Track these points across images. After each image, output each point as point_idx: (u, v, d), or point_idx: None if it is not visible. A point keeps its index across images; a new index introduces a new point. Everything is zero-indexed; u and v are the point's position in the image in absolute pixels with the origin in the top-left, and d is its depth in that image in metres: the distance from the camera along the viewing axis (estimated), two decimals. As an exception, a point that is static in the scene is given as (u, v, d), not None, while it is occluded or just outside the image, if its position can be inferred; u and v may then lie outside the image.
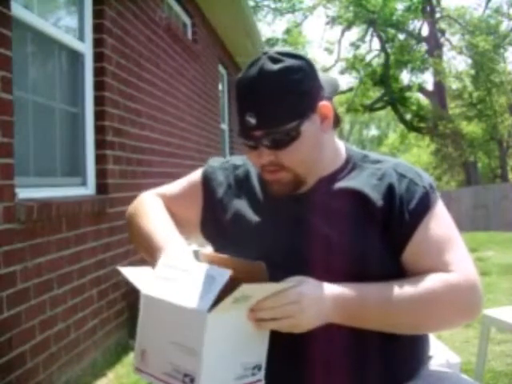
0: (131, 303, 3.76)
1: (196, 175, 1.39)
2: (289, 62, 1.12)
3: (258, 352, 1.02)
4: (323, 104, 1.15)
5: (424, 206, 1.15)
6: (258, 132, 1.12)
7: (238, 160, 1.37)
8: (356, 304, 1.06)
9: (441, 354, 1.54)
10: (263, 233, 1.19)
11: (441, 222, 1.17)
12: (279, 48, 1.22)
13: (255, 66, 1.13)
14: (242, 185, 1.30)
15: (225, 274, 0.94)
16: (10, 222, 2.43)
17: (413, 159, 28.75)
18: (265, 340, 1.03)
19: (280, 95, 1.10)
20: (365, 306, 1.07)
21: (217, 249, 1.28)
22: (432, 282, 1.10)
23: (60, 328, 2.88)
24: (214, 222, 1.30)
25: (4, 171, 2.40)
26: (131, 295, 3.78)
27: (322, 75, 1.18)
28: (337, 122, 1.23)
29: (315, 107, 1.14)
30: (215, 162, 1.40)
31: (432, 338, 1.35)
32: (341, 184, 1.20)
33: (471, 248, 7.86)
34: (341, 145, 1.27)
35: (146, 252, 1.26)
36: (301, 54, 1.15)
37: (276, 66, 1.11)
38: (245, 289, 0.91)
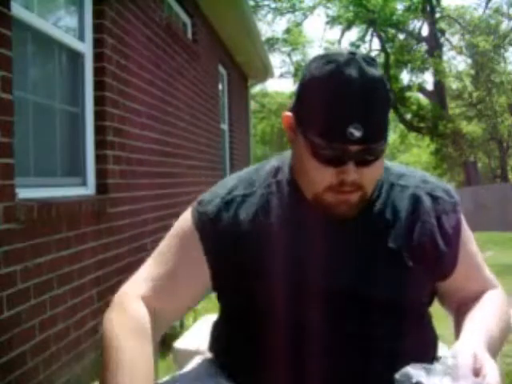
0: (131, 303, 3.75)
1: (187, 237, 1.11)
2: (377, 65, 1.01)
3: None
4: None
5: (458, 228, 1.14)
6: (357, 146, 0.97)
7: (240, 187, 1.13)
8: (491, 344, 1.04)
9: (441, 353, 1.54)
10: (298, 258, 1.06)
11: (470, 237, 1.19)
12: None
13: (350, 66, 0.97)
14: (261, 213, 1.09)
15: None
16: (10, 222, 2.43)
17: (413, 159, 28.76)
18: None
19: (386, 105, 1.00)
20: (494, 343, 1.06)
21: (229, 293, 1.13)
22: (496, 301, 1.15)
23: (60, 328, 2.88)
24: (230, 271, 1.10)
25: (4, 171, 2.39)
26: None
27: None
28: None
29: None
30: (207, 205, 1.12)
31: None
32: (379, 207, 1.10)
33: (471, 248, 7.84)
34: None
35: None
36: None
37: (377, 72, 0.99)
38: None
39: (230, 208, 1.10)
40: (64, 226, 2.96)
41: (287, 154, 1.18)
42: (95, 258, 3.35)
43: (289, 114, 1.07)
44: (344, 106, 0.96)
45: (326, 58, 1.00)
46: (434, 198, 1.13)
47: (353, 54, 0.99)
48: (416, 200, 1.12)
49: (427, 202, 1.12)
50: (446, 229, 1.11)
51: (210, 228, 1.10)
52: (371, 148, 0.98)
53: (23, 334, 2.52)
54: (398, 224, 1.09)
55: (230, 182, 1.16)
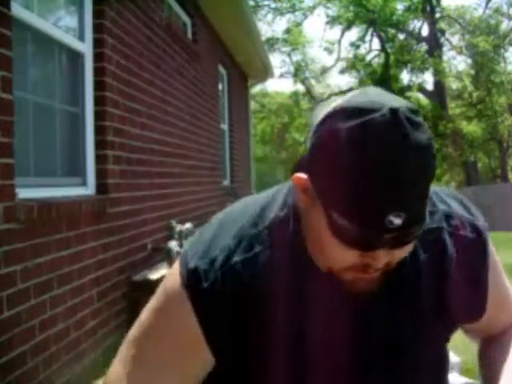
0: (131, 303, 3.76)
1: (181, 322, 0.93)
2: (423, 122, 0.79)
3: None
4: None
5: (486, 269, 1.02)
6: (394, 233, 0.78)
7: (239, 249, 0.93)
8: None
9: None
10: (306, 332, 0.93)
11: (499, 272, 1.09)
12: (398, 99, 0.81)
13: (392, 132, 0.75)
14: (265, 282, 0.91)
15: None
16: (10, 222, 2.43)
17: (413, 159, 28.71)
18: None
19: (431, 179, 0.80)
20: None
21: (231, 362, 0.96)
22: None
23: (60, 328, 2.88)
24: (236, 344, 0.94)
25: (4, 171, 2.39)
26: (131, 295, 3.78)
27: None
28: None
29: None
30: (204, 280, 0.91)
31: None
32: (398, 266, 0.91)
33: (471, 248, 7.85)
34: None
35: None
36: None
37: (424, 137, 0.78)
38: None
39: (230, 279, 0.91)
40: (64, 226, 2.96)
41: (290, 195, 0.96)
42: (95, 258, 3.35)
43: (303, 176, 0.84)
44: (384, 188, 0.75)
45: (359, 118, 0.76)
46: (459, 240, 0.98)
47: (395, 110, 0.76)
48: (439, 247, 0.97)
49: (451, 247, 0.97)
50: (473, 274, 1.00)
51: (210, 306, 0.91)
52: (410, 232, 0.80)
53: (23, 334, 2.52)
54: (420, 286, 0.96)
55: (226, 239, 0.94)
